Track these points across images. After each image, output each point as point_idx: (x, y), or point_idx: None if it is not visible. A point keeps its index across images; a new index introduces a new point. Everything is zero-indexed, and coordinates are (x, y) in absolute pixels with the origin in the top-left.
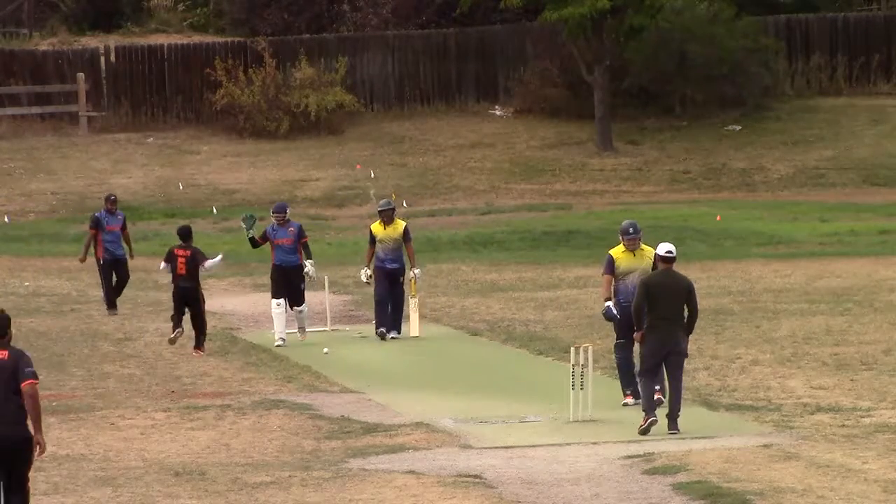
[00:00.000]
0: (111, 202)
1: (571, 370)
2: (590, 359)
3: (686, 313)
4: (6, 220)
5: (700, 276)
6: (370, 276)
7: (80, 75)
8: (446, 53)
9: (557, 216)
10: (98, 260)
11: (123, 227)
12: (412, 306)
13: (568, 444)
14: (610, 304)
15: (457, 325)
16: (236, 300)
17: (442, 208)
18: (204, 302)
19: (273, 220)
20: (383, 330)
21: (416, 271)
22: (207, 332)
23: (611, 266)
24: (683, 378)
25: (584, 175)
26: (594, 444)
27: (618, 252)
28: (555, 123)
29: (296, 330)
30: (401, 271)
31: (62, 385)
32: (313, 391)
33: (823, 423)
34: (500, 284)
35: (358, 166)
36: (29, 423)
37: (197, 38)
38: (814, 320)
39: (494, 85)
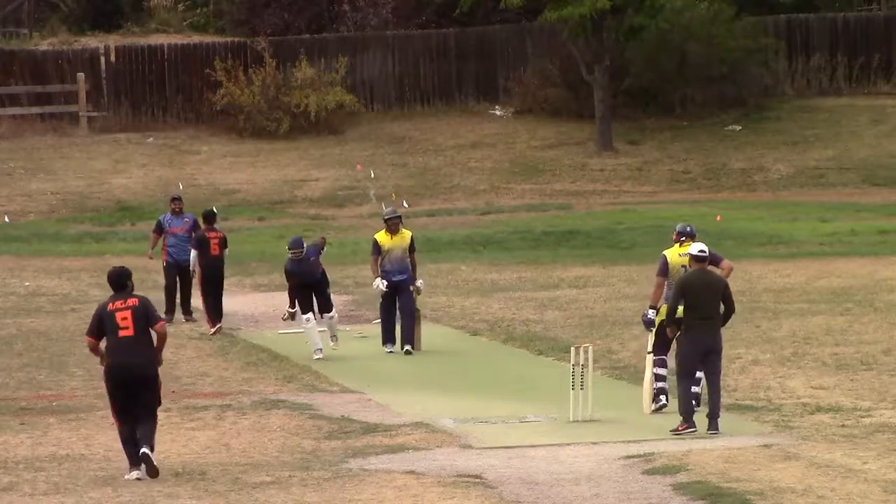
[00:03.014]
0: (175, 203)
1: (571, 370)
2: (590, 359)
3: (722, 309)
4: (6, 220)
5: None
6: (387, 285)
7: (80, 75)
8: (446, 53)
9: (557, 216)
10: (163, 263)
11: (196, 228)
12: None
13: (568, 444)
14: (652, 312)
15: (457, 325)
16: (236, 300)
17: (442, 208)
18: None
19: (290, 255)
20: (392, 348)
21: (420, 283)
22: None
23: (665, 268)
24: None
25: (584, 175)
26: (594, 444)
27: (673, 253)
28: (555, 123)
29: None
30: (408, 281)
31: (62, 385)
32: (313, 391)
33: (823, 423)
34: (500, 284)
35: (358, 166)
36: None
37: (197, 38)
38: (814, 320)
39: (494, 85)
